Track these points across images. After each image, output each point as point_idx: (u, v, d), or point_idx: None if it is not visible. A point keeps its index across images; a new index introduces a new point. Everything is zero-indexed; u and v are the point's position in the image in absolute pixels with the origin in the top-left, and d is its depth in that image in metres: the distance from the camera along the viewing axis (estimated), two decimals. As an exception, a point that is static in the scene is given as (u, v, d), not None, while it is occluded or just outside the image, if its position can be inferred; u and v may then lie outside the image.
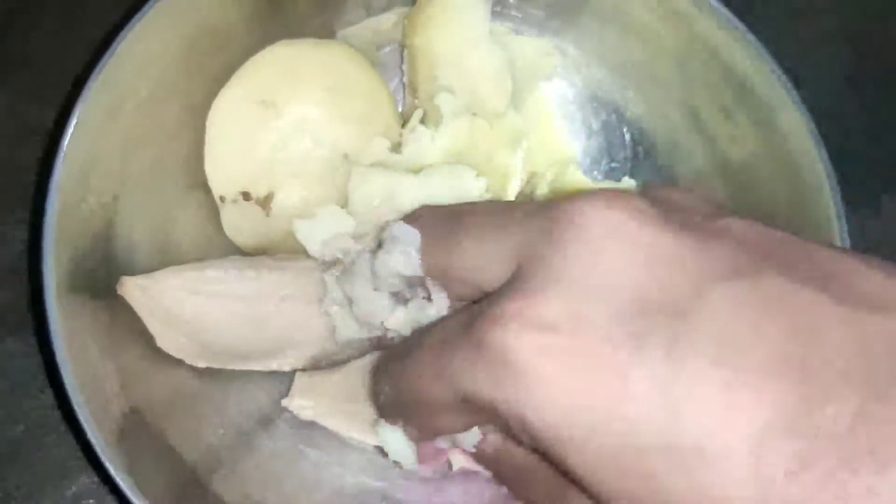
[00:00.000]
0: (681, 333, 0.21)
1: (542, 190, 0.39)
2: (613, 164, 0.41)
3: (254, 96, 0.35)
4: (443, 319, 0.28)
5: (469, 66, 0.36)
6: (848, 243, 0.33)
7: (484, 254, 0.26)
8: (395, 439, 0.30)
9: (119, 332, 0.33)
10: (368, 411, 0.33)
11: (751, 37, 0.34)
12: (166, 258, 0.34)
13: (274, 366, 0.35)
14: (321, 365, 0.35)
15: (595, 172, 0.41)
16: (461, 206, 0.30)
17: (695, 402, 0.20)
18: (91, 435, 0.29)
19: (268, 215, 0.36)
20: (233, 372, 0.35)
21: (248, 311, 0.34)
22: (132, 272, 0.33)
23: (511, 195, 0.38)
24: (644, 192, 0.26)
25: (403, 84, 0.40)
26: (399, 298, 0.31)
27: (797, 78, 0.35)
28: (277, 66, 0.36)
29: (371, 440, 0.34)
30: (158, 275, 0.33)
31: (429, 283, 0.29)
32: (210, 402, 0.35)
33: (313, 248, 0.35)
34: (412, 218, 0.30)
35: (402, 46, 0.39)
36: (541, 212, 0.24)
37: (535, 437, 0.23)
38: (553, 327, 0.22)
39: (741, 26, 0.35)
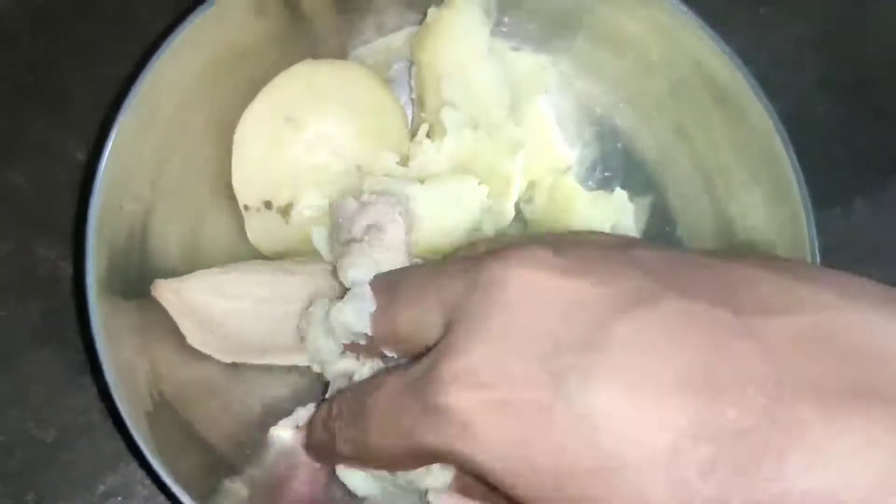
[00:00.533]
0: (593, 366, 0.23)
1: (541, 197, 0.42)
2: (607, 174, 0.43)
3: (278, 113, 0.38)
4: (388, 376, 0.30)
5: (471, 80, 0.39)
6: (816, 241, 0.36)
7: (419, 318, 0.29)
8: (359, 479, 0.33)
9: (151, 329, 0.35)
10: None
11: (725, 47, 0.37)
12: (195, 261, 0.37)
13: (293, 360, 0.38)
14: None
15: (590, 182, 0.43)
16: (397, 274, 0.33)
17: (611, 424, 0.23)
18: (127, 420, 0.31)
19: (287, 223, 0.38)
20: (255, 366, 0.37)
21: (268, 311, 0.37)
22: (163, 274, 0.36)
23: (512, 201, 0.41)
24: (560, 239, 0.29)
25: (412, 100, 0.42)
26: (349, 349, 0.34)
27: (770, 84, 0.37)
28: (299, 84, 0.39)
29: None
30: (188, 278, 0.36)
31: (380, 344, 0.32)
32: (234, 393, 0.37)
33: (327, 252, 0.37)
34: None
35: (411, 63, 0.42)
36: (461, 275, 0.27)
37: (484, 475, 0.26)
38: (485, 384, 0.25)
39: (717, 38, 0.37)
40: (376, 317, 0.31)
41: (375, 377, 0.32)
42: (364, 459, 0.31)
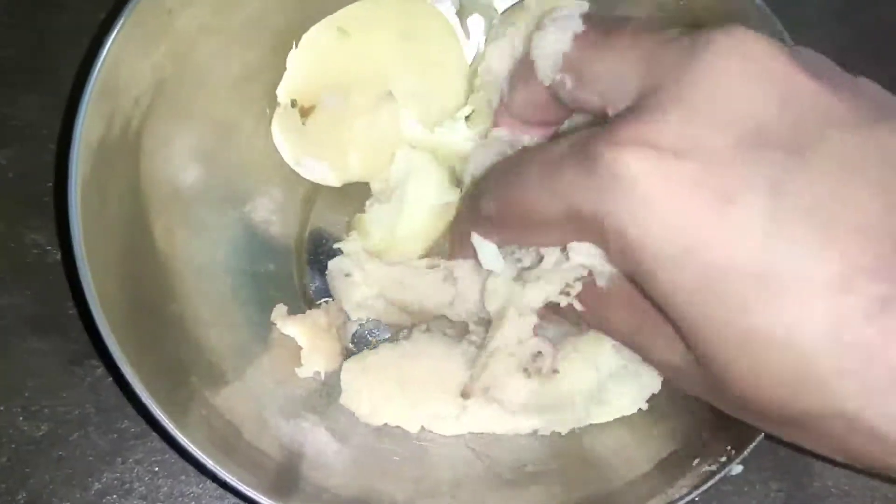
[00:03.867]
0: (792, 171, 0.21)
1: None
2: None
3: (334, 24, 0.37)
4: (556, 139, 0.27)
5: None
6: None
7: (617, 72, 0.26)
8: (490, 251, 0.31)
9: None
10: None
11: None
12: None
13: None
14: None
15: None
16: (619, 20, 0.29)
17: (788, 237, 0.21)
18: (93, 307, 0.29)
19: (303, 124, 0.36)
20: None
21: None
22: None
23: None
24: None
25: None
26: None
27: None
28: (363, 7, 0.37)
29: None
30: None
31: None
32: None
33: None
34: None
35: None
36: (676, 42, 0.24)
37: (632, 254, 0.23)
38: (669, 149, 0.22)
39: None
40: (578, 44, 0.28)
41: (537, 144, 0.30)
42: (505, 222, 0.29)
